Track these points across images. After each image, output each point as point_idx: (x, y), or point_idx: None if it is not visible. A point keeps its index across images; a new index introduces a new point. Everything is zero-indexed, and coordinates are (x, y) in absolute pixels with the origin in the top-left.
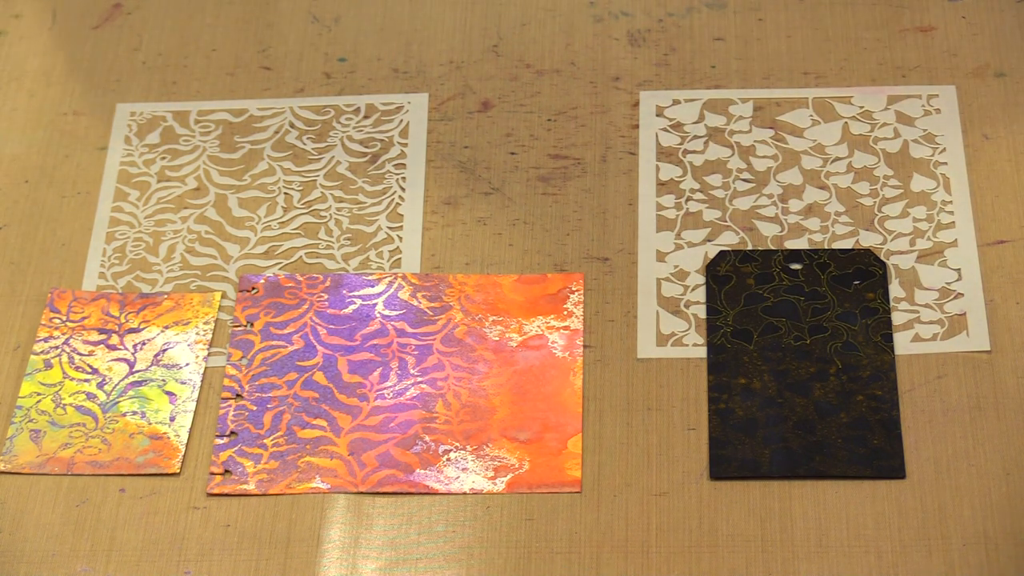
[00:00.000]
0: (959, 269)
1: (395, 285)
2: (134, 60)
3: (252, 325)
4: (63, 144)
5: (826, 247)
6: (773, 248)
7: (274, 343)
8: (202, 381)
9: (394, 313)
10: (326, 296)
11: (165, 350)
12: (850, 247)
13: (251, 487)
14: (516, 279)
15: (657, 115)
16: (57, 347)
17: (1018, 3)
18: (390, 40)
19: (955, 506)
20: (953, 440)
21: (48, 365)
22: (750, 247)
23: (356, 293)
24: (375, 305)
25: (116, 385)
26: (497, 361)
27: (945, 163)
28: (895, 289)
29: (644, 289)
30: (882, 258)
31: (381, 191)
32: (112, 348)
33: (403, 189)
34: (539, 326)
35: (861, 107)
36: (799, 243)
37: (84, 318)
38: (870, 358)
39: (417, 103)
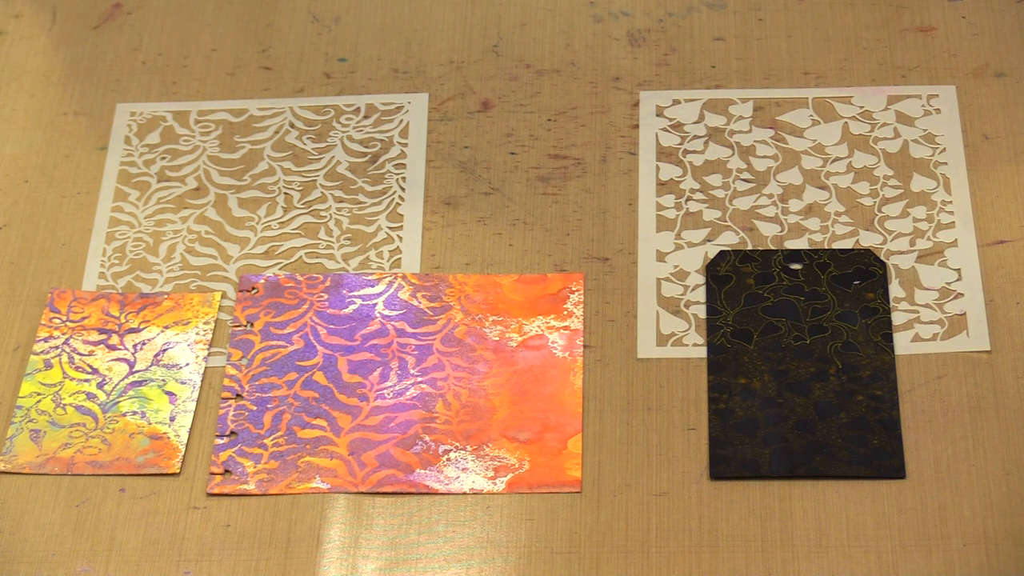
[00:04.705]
0: (959, 269)
1: (395, 285)
2: (134, 60)
3: (252, 325)
4: (63, 144)
5: (826, 247)
6: (773, 248)
7: (274, 343)
8: (202, 381)
9: (394, 313)
10: (326, 296)
11: (165, 350)
12: (850, 247)
13: (251, 487)
14: (516, 279)
15: (657, 115)
16: (57, 347)
17: (1018, 3)
18: (390, 40)
19: (955, 506)
20: (953, 440)
21: (48, 365)
22: (750, 247)
23: (356, 293)
24: (375, 305)
25: (116, 385)
26: (497, 361)
27: (945, 163)
28: (895, 289)
29: (644, 289)
30: (882, 258)
31: (381, 191)
32: (112, 348)
33: (403, 189)
34: (539, 326)
35: (861, 107)
36: (799, 243)
37: (84, 318)
38: (870, 358)
39: (417, 103)
